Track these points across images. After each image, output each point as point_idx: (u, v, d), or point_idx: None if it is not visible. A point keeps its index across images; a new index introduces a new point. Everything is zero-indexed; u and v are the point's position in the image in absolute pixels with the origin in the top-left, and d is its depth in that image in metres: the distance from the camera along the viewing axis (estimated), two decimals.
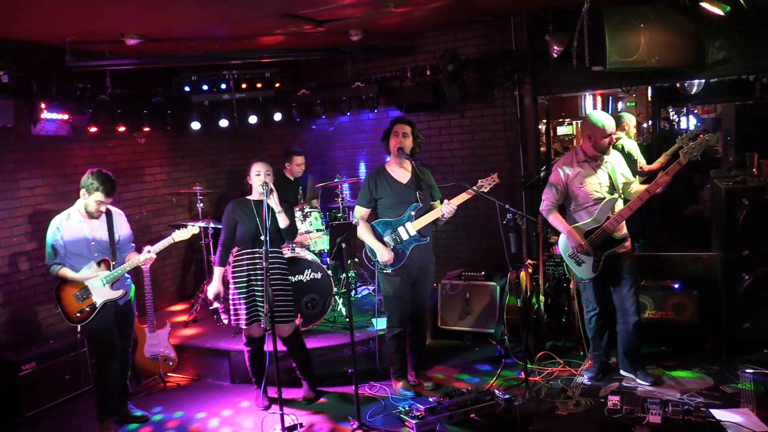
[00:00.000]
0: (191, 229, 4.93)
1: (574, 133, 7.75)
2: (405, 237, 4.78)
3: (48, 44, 5.54)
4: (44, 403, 5.19)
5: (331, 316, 6.21)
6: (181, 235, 4.88)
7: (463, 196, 4.72)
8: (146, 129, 6.68)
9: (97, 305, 4.57)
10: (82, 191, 4.50)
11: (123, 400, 4.94)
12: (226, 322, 5.06)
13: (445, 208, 4.68)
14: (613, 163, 4.75)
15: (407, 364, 5.15)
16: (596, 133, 4.61)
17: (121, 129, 6.43)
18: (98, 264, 4.59)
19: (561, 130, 8.24)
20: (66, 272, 4.51)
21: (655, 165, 6.19)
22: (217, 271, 4.89)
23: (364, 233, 4.82)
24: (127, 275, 4.80)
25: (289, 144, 6.95)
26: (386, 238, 4.81)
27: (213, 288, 4.90)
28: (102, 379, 4.66)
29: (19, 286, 5.70)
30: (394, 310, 4.93)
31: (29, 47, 5.55)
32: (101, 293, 4.58)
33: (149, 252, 4.71)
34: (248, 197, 4.92)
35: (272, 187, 4.68)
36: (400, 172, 4.90)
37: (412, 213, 4.78)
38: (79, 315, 4.54)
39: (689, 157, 4.36)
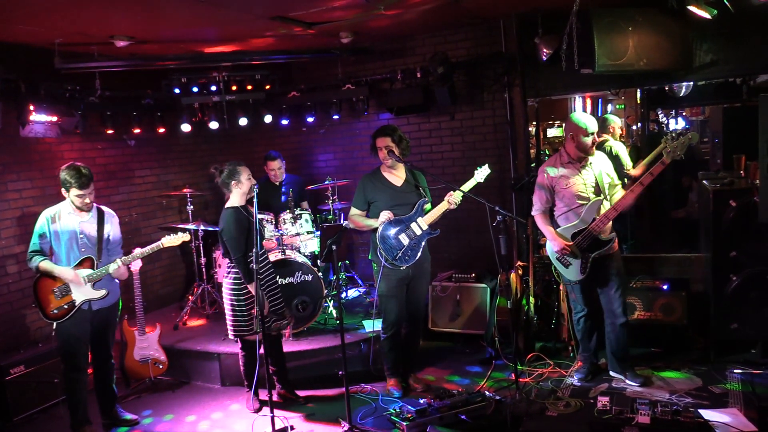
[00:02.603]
0: (182, 236, 4.90)
1: (564, 135, 7.80)
2: (418, 232, 4.87)
3: (37, 46, 5.51)
4: (33, 406, 5.16)
5: (322, 318, 6.20)
6: (170, 241, 4.85)
7: (470, 183, 4.83)
8: (136, 131, 6.64)
9: (76, 304, 4.51)
10: (62, 190, 4.50)
11: (111, 404, 4.92)
12: (236, 336, 4.90)
13: (451, 200, 4.77)
14: (600, 166, 4.78)
15: (400, 364, 5.16)
16: (578, 132, 4.65)
17: (111, 131, 6.39)
18: (81, 262, 4.54)
19: (551, 132, 8.29)
20: (47, 265, 4.45)
21: (638, 171, 6.17)
22: (255, 287, 4.55)
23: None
24: (116, 281, 4.77)
25: (279, 146, 6.94)
26: (402, 236, 4.85)
27: (263, 303, 4.63)
28: (67, 388, 4.60)
29: (7, 289, 5.65)
30: (389, 309, 4.97)
31: (17, 48, 5.51)
32: (82, 291, 4.53)
33: (137, 252, 4.70)
34: (235, 204, 4.79)
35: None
36: (394, 176, 5.00)
37: (422, 208, 4.89)
38: (56, 312, 4.47)
39: (673, 156, 4.40)
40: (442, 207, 4.82)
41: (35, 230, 4.53)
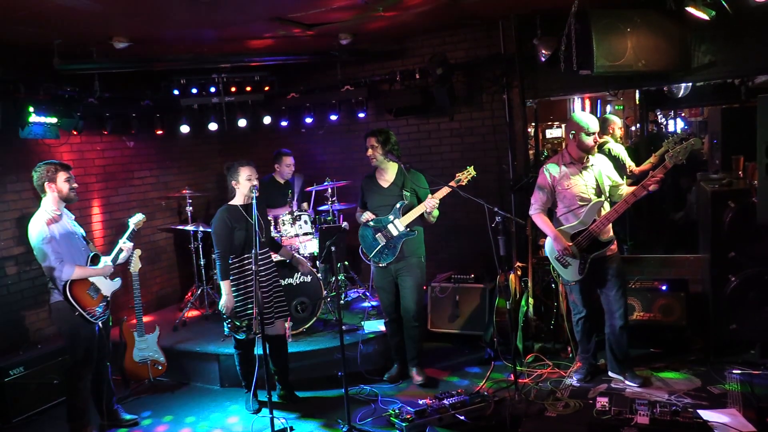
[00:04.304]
0: (140, 215, 4.95)
1: (563, 136, 7.81)
2: (395, 233, 5.05)
3: (36, 47, 5.51)
4: (32, 408, 5.16)
5: (322, 318, 6.20)
6: (137, 222, 4.88)
7: (444, 190, 4.96)
8: (135, 132, 6.65)
9: (109, 298, 4.62)
10: (46, 185, 4.40)
11: (110, 402, 4.89)
12: (229, 332, 4.96)
13: (427, 202, 4.95)
14: (600, 167, 4.78)
15: (405, 349, 5.36)
16: (580, 131, 4.65)
17: (110, 132, 6.39)
18: (91, 260, 4.58)
19: (550, 133, 8.29)
20: (82, 270, 4.43)
21: (645, 166, 6.22)
22: (226, 285, 4.74)
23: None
24: None
25: (278, 147, 6.95)
26: (378, 236, 5.07)
27: (227, 303, 4.74)
28: (78, 390, 4.54)
29: (7, 290, 5.66)
30: (380, 298, 5.38)
31: (16, 49, 5.51)
32: (107, 285, 4.62)
33: (125, 242, 4.79)
34: (233, 203, 4.86)
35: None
36: (384, 178, 5.20)
37: (399, 210, 5.04)
38: (99, 312, 4.52)
39: (674, 161, 4.39)
40: (419, 209, 5.01)
41: (38, 242, 4.30)
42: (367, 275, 7.23)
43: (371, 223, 5.12)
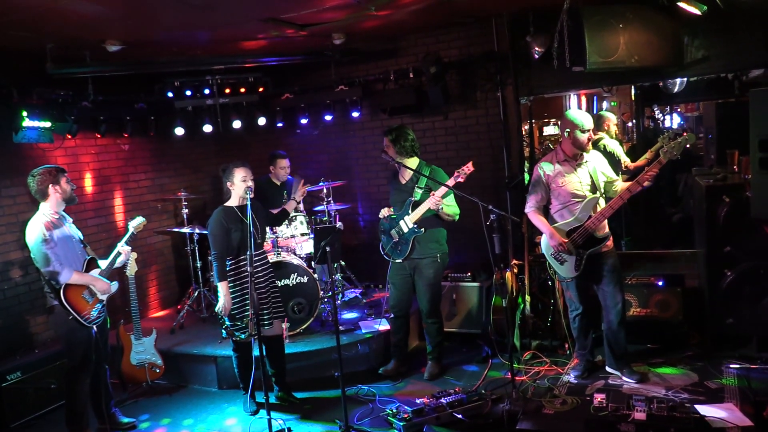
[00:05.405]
0: (140, 218, 4.95)
1: (560, 133, 7.80)
2: (405, 229, 5.17)
3: (28, 52, 5.49)
4: (29, 413, 5.14)
5: (319, 319, 6.20)
6: (136, 226, 4.89)
7: (443, 188, 5.00)
8: (129, 135, 6.63)
9: (104, 301, 4.65)
10: (50, 188, 4.41)
11: (108, 405, 4.86)
12: (226, 334, 4.99)
13: (430, 200, 5.01)
14: (594, 163, 4.78)
15: (405, 348, 5.58)
16: (574, 129, 4.65)
17: (104, 135, 6.38)
18: (88, 265, 4.60)
19: (547, 131, 8.29)
20: (79, 275, 4.46)
21: (640, 162, 6.24)
22: (223, 286, 4.72)
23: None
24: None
25: (273, 148, 6.95)
26: (392, 232, 5.22)
27: (225, 305, 4.71)
28: (78, 394, 4.55)
29: (3, 295, 5.64)
30: (390, 294, 5.46)
31: (9, 54, 5.48)
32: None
33: (122, 246, 4.83)
34: (229, 204, 4.85)
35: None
36: (403, 175, 5.34)
37: (409, 207, 5.15)
38: (93, 315, 4.53)
39: (669, 156, 4.40)
40: (424, 207, 5.05)
41: (36, 245, 4.31)
42: (367, 274, 7.26)
43: (387, 219, 5.27)
